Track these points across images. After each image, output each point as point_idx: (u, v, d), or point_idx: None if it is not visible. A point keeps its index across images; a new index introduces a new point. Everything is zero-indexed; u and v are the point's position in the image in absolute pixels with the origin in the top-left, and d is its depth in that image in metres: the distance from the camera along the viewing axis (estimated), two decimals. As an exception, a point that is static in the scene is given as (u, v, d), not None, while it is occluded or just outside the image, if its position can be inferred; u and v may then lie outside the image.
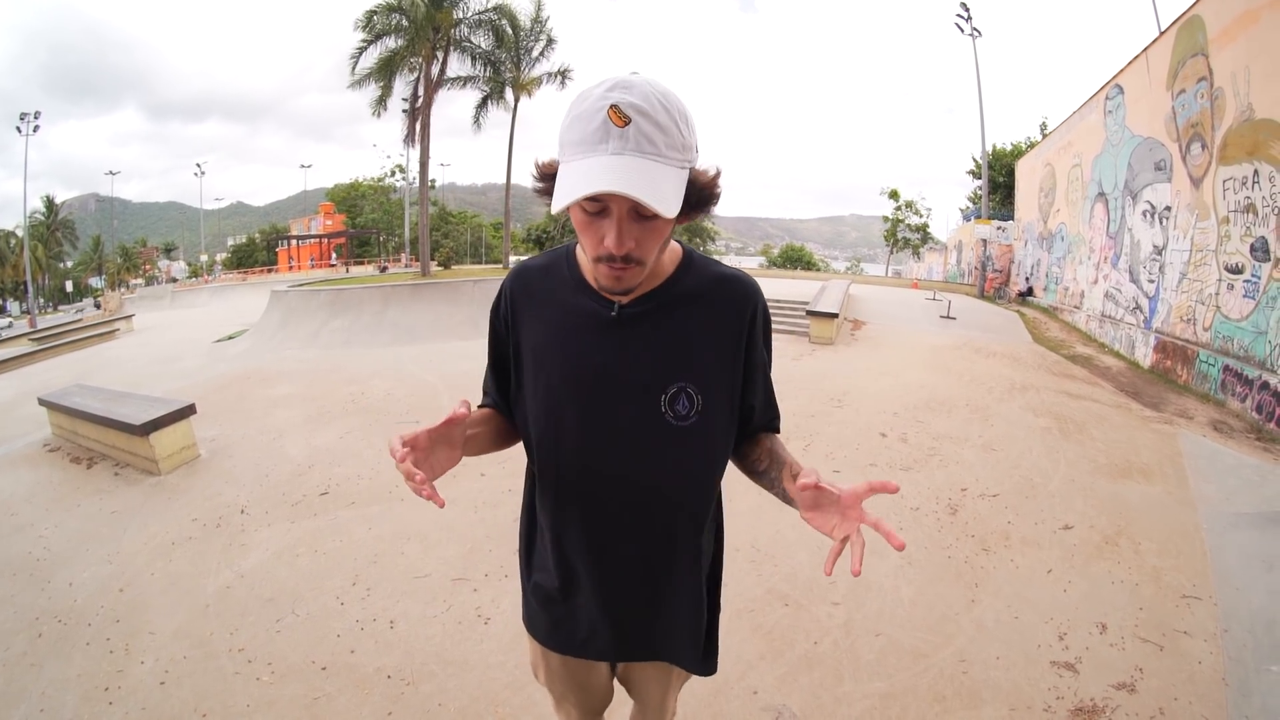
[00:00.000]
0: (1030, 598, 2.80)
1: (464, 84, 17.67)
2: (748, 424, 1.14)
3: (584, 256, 1.07)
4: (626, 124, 0.82)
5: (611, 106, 0.82)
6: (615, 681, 1.38)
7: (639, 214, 0.86)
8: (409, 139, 16.69)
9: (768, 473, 1.12)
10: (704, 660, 1.23)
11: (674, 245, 1.07)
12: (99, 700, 2.21)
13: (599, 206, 0.86)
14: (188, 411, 4.54)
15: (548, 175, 0.92)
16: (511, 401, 1.16)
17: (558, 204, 0.85)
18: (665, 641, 1.19)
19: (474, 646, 2.45)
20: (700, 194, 0.92)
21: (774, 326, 1.18)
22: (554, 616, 1.22)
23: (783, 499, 1.08)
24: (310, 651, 2.43)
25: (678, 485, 1.08)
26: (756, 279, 1.14)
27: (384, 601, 2.76)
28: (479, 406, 1.21)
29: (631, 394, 1.02)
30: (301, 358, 8.61)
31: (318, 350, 9.30)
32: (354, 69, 15.32)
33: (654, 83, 0.86)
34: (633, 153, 0.82)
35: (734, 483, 1.21)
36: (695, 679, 2.19)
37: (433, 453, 0.93)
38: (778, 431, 1.20)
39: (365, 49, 15.17)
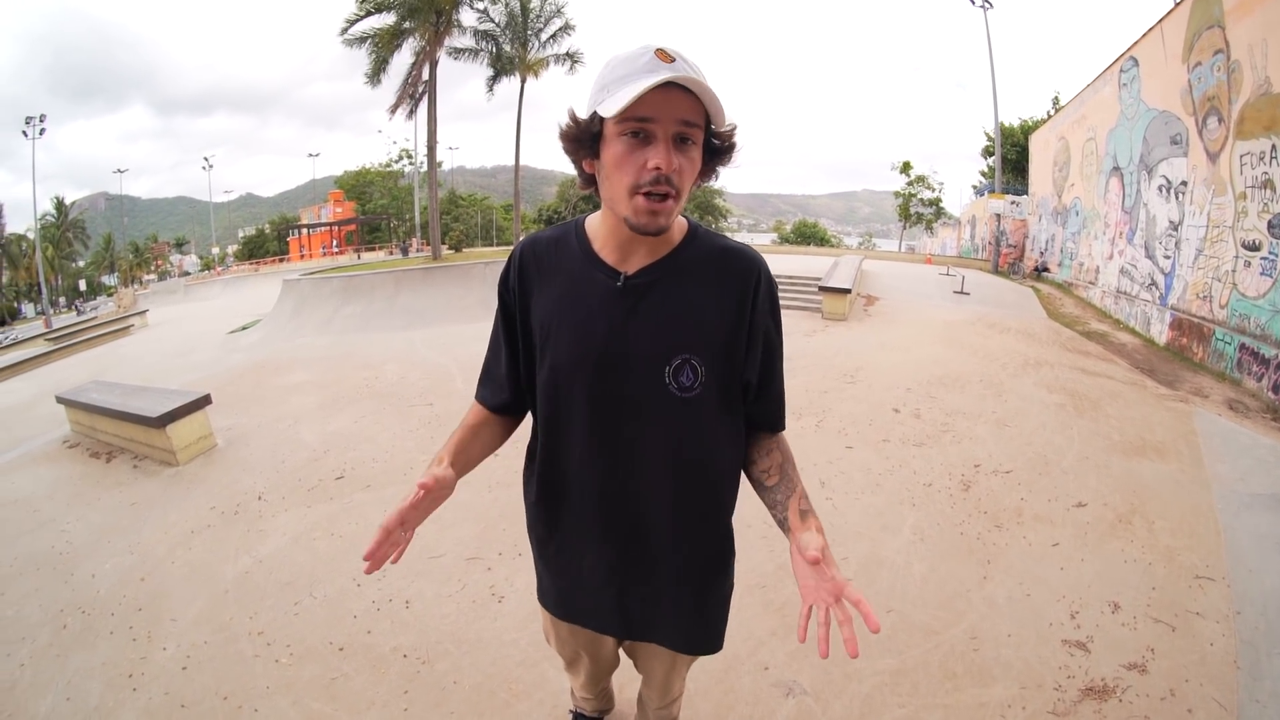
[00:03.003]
0: (1042, 575, 2.79)
1: (470, 56, 17.61)
2: (744, 402, 1.12)
3: (594, 227, 1.08)
4: (673, 61, 0.88)
5: (656, 50, 0.88)
6: (621, 651, 1.41)
7: (681, 139, 0.91)
8: (410, 114, 16.59)
9: (774, 491, 1.10)
10: (692, 641, 1.22)
11: (680, 219, 1.06)
12: (123, 687, 2.25)
13: (645, 128, 0.89)
14: (203, 402, 4.59)
15: (581, 124, 0.95)
16: (521, 376, 1.15)
17: (616, 105, 0.87)
18: (654, 620, 1.20)
19: (488, 625, 2.49)
20: (723, 143, 0.99)
21: (787, 302, 1.16)
22: (561, 588, 1.24)
23: (779, 524, 1.07)
24: (328, 633, 2.47)
25: (678, 457, 1.07)
26: (768, 255, 1.12)
27: (399, 582, 2.79)
28: (476, 402, 1.21)
29: (636, 364, 1.02)
30: (315, 345, 8.67)
31: (331, 337, 9.36)
32: (344, 32, 15.14)
33: None
34: (684, 76, 0.86)
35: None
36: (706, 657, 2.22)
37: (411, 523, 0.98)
38: (781, 429, 1.18)
39: (361, 18, 14.99)
